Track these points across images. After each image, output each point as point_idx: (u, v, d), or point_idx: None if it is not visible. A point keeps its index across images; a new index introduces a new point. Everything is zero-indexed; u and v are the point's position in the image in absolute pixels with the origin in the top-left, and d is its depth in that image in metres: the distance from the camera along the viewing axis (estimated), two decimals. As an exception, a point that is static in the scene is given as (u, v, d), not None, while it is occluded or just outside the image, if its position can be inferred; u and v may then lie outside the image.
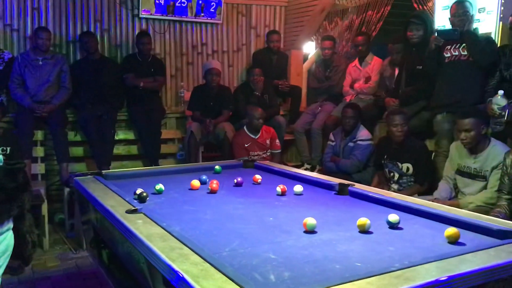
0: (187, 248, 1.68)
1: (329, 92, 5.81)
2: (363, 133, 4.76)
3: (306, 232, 2.02)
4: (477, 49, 3.94)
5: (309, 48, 6.79)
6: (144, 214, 2.12)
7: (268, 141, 5.23)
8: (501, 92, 3.56)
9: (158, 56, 5.99)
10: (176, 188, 2.85)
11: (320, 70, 5.95)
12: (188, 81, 6.24)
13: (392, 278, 1.45)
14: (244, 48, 6.56)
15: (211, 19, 6.20)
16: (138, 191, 2.52)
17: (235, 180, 2.93)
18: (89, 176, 3.02)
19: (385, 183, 4.32)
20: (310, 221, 2.02)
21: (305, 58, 6.82)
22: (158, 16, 5.95)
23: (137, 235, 1.83)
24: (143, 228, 1.92)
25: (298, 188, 2.74)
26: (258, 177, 3.03)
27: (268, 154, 5.19)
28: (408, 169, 4.13)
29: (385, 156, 4.30)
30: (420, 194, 3.95)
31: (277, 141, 5.34)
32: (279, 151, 5.37)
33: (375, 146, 4.68)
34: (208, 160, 5.04)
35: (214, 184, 2.76)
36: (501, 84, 3.82)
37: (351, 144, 4.77)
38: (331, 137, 5.02)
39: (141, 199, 2.46)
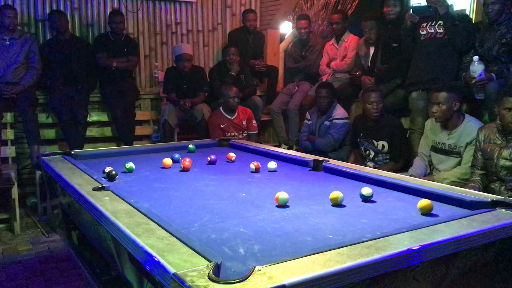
0: (154, 223, 1.63)
1: (306, 72, 5.76)
2: (339, 112, 4.74)
3: (279, 206, 1.98)
4: (455, 29, 3.93)
5: (286, 28, 6.71)
6: (112, 191, 2.06)
7: (244, 122, 5.17)
8: (476, 57, 3.57)
9: (131, 35, 5.85)
10: (148, 167, 2.78)
11: (296, 50, 5.90)
12: (162, 61, 6.12)
13: (364, 248, 1.42)
14: (219, 27, 6.45)
15: (186, -2, 6.07)
16: (107, 169, 2.45)
17: (209, 158, 2.87)
18: (57, 156, 2.93)
19: (361, 161, 4.32)
20: (282, 195, 1.99)
21: (281, 38, 6.74)
22: (131, -6, 5.79)
23: (102, 212, 1.76)
24: (109, 205, 1.86)
25: (272, 164, 2.70)
26: (232, 155, 2.98)
27: (245, 135, 5.14)
28: (383, 146, 4.13)
29: (361, 134, 4.29)
30: (396, 171, 3.95)
31: (254, 121, 5.28)
32: (256, 132, 5.32)
33: (351, 125, 4.67)
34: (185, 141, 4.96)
35: (187, 162, 2.70)
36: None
37: (327, 123, 4.75)
38: (308, 116, 4.99)
39: (110, 177, 2.38)
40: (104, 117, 5.47)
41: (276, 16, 6.42)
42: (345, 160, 4.47)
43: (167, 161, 2.78)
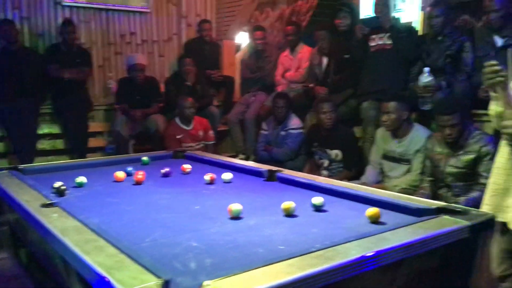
0: (104, 240, 1.60)
1: (262, 82, 5.82)
2: (294, 122, 4.81)
3: (232, 218, 1.99)
4: (402, 41, 4.08)
5: (242, 38, 6.77)
6: (61, 207, 2.00)
7: (201, 133, 5.15)
8: (426, 69, 3.71)
9: (84, 46, 5.72)
10: (100, 181, 2.72)
11: (252, 60, 5.95)
12: (117, 71, 6.01)
13: (313, 258, 1.45)
14: (175, 37, 6.42)
15: (140, 8, 6.01)
16: (57, 184, 2.38)
17: (163, 171, 2.85)
18: (4, 172, 2.82)
19: (316, 170, 4.40)
20: (235, 207, 2.00)
21: (238, 49, 6.79)
22: (83, 4, 5.68)
23: (50, 230, 1.72)
24: (57, 222, 1.81)
25: (227, 175, 2.71)
26: (186, 166, 2.96)
27: (202, 145, 5.13)
28: (337, 155, 4.23)
29: (315, 144, 4.37)
30: (349, 179, 4.05)
31: (211, 132, 5.28)
32: (213, 142, 5.31)
33: (305, 134, 4.75)
34: (141, 153, 4.90)
35: (140, 175, 2.66)
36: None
37: (283, 132, 4.81)
38: (264, 126, 5.04)
39: (59, 192, 2.32)
40: (55, 129, 5.31)
41: (232, 27, 6.46)
42: (301, 169, 4.54)
43: (120, 174, 2.73)
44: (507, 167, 2.13)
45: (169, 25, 6.36)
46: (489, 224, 1.89)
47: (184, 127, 5.05)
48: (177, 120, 5.07)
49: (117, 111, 5.47)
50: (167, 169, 2.86)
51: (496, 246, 2.18)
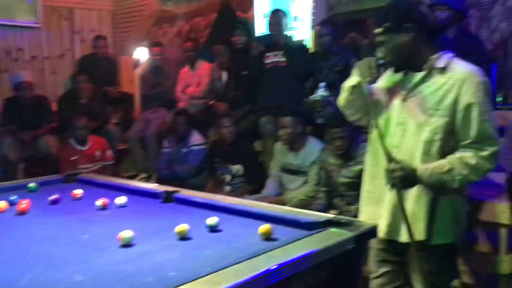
0: (-28, 283, 1.46)
1: (162, 98, 5.73)
2: (195, 138, 4.79)
3: (123, 246, 1.91)
4: (295, 58, 4.25)
5: (141, 54, 6.62)
6: None
7: (98, 153, 4.93)
8: (322, 84, 3.87)
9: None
10: (-23, 213, 2.49)
11: (152, 76, 5.85)
12: (2, 90, 5.59)
13: (201, 284, 1.44)
14: (68, 53, 6.14)
15: (27, 23, 5.66)
16: None
17: (50, 198, 2.67)
18: None
19: (219, 186, 4.40)
20: (125, 234, 1.92)
21: (137, 64, 6.63)
22: (-40, 18, 5.24)
23: None
24: None
25: (121, 200, 2.60)
26: (77, 192, 2.80)
27: (100, 166, 4.91)
28: (238, 170, 4.27)
29: (217, 160, 4.38)
30: (252, 193, 4.11)
31: (109, 151, 5.07)
32: (112, 162, 5.11)
33: (207, 150, 4.74)
34: (32, 177, 4.57)
35: (24, 204, 2.47)
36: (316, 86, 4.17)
37: (184, 149, 4.76)
38: (165, 143, 4.96)
39: None
40: None
41: (129, 42, 6.32)
42: (205, 185, 4.52)
43: (1, 204, 2.51)
44: (375, 175, 2.27)
45: (62, 40, 6.09)
46: (371, 233, 2.01)
47: (80, 147, 4.81)
48: (72, 140, 4.82)
49: (2, 133, 5.07)
50: (55, 196, 2.69)
51: (372, 248, 2.33)
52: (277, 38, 4.27)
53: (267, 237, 1.95)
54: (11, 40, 5.64)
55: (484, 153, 2.01)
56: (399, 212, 2.13)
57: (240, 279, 1.46)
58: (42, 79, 5.84)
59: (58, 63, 6.00)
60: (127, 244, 1.92)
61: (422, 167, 2.07)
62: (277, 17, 4.38)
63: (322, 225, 2.02)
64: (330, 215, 2.19)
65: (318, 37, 4.19)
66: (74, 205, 2.69)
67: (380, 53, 2.17)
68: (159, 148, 5.26)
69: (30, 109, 5.02)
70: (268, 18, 4.51)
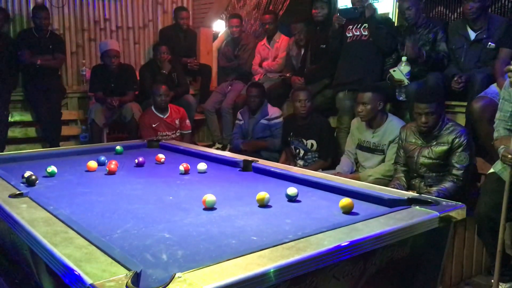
0: (73, 231, 1.57)
1: (239, 71, 5.77)
2: (274, 111, 4.76)
3: (206, 209, 1.98)
4: (379, 32, 4.09)
5: (219, 27, 6.69)
6: (30, 198, 1.96)
7: (177, 121, 5.09)
8: (404, 58, 3.74)
9: (57, 31, 5.58)
10: (72, 170, 2.68)
11: (229, 49, 5.90)
12: (90, 58, 5.89)
13: (285, 249, 1.46)
14: (150, 24, 6.31)
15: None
16: (27, 174, 2.33)
17: (136, 160, 2.81)
18: (-29, 161, 2.75)
19: (291, 160, 4.41)
20: (209, 197, 1.98)
21: (215, 37, 6.71)
22: (56, -12, 5.53)
23: (18, 220, 1.68)
24: (26, 212, 1.77)
25: (202, 166, 2.69)
26: (161, 156, 2.93)
27: (178, 134, 5.07)
28: (312, 145, 4.24)
29: (291, 133, 4.37)
30: (324, 169, 4.07)
31: (187, 121, 5.22)
32: (189, 131, 5.25)
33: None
34: (115, 141, 4.83)
35: (112, 165, 2.62)
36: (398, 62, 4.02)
37: (264, 121, 4.74)
38: (239, 116, 5.00)
39: (29, 182, 2.27)
40: (27, 117, 5.20)
41: (209, 15, 6.38)
42: (278, 158, 4.54)
43: (92, 164, 2.69)
44: None
45: (145, 11, 6.25)
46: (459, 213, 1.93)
47: (160, 115, 4.99)
48: (153, 108, 5.00)
49: (91, 98, 5.37)
50: (140, 159, 2.83)
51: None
52: (362, 11, 4.13)
53: (348, 210, 1.94)
54: (99, 10, 5.89)
55: None
56: None
57: (323, 248, 1.46)
58: (126, 49, 6.06)
59: (141, 33, 6.20)
60: (210, 208, 1.98)
61: None
62: (361, -12, 4.22)
63: (406, 203, 1.97)
64: (414, 193, 2.12)
65: (402, 10, 3.99)
66: (158, 169, 2.82)
67: None
68: (235, 119, 5.33)
69: (117, 77, 5.24)
70: (351, -10, 4.36)
